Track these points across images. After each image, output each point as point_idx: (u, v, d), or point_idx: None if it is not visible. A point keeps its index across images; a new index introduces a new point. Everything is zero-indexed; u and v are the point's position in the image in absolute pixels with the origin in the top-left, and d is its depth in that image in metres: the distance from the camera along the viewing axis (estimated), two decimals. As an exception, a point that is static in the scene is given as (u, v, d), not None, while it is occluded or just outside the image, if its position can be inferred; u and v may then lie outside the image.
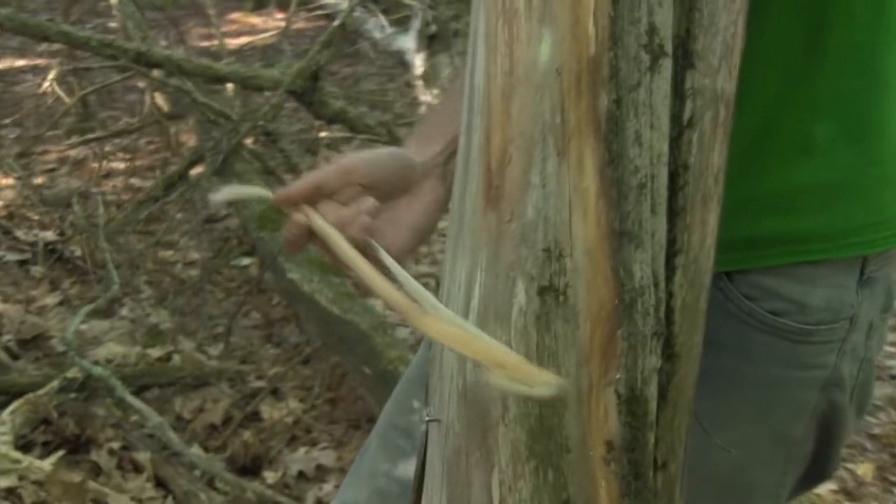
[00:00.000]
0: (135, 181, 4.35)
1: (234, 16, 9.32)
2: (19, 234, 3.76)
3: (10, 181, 4.21)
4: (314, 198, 1.02)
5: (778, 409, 1.08)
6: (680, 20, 0.83)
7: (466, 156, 0.88)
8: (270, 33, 7.63)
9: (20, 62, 7.22)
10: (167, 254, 3.63)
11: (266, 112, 3.57)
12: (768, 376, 1.07)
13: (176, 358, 2.93)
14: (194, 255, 3.47)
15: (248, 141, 4.20)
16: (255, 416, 2.75)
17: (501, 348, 0.81)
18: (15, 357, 2.93)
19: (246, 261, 3.59)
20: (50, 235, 3.75)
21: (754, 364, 1.07)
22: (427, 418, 0.93)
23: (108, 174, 4.53)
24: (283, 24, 5.36)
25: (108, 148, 4.74)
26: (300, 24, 8.15)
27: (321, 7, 7.86)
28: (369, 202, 1.01)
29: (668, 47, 0.81)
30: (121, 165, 4.65)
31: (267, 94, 3.98)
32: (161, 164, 4.31)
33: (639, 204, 0.82)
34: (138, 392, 2.69)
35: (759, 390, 1.07)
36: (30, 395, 2.42)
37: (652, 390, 0.85)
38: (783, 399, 1.07)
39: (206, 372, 2.85)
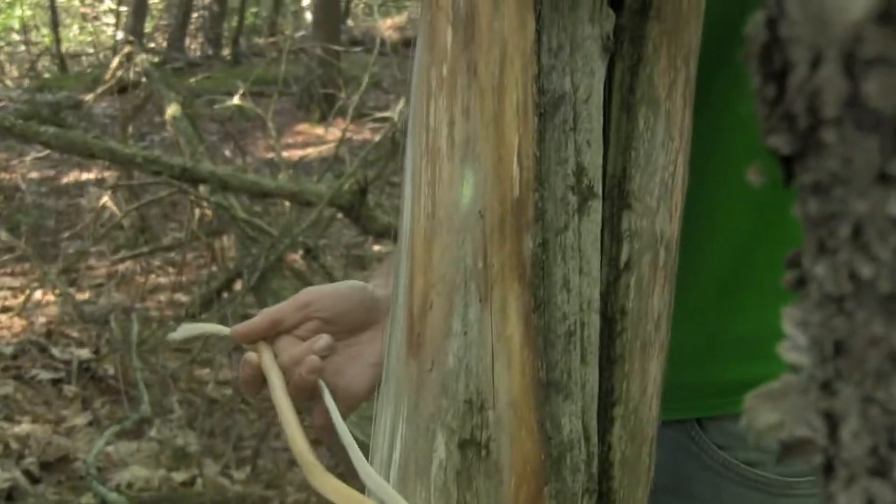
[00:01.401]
0: (179, 296, 4.40)
1: (301, 127, 9.51)
2: (55, 351, 3.81)
3: (54, 297, 4.29)
4: (272, 333, 1.02)
5: None
6: (616, 159, 0.81)
7: (395, 300, 0.87)
8: (331, 145, 7.77)
9: (86, 175, 7.41)
10: (202, 372, 3.65)
11: (305, 228, 3.60)
12: None
13: (200, 482, 2.91)
14: (228, 374, 3.48)
15: (297, 255, 4.24)
16: (274, 546, 2.72)
17: None
18: (37, 481, 2.94)
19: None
20: (85, 353, 3.79)
21: None
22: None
23: (154, 289, 4.59)
24: (346, 134, 5.45)
25: (156, 262, 4.82)
26: (366, 135, 8.29)
27: (384, 119, 7.99)
28: (323, 340, 1.00)
29: (598, 188, 0.79)
30: (167, 280, 4.72)
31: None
32: (206, 279, 4.36)
33: (567, 353, 0.79)
34: (157, 518, 2.67)
35: None
36: (41, 523, 2.42)
37: (584, 553, 0.82)
38: None
39: (228, 497, 2.83)
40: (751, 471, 1.01)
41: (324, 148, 8.17)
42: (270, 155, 7.72)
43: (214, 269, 4.37)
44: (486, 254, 0.78)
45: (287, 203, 4.49)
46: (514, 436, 0.79)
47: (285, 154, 6.42)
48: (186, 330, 1.09)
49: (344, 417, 0.96)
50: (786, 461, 0.38)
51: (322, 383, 0.98)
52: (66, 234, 5.60)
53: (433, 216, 0.80)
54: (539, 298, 0.78)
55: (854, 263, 0.31)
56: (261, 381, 1.01)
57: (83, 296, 4.47)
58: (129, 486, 2.85)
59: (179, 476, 2.94)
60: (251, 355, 1.01)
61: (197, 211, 4.52)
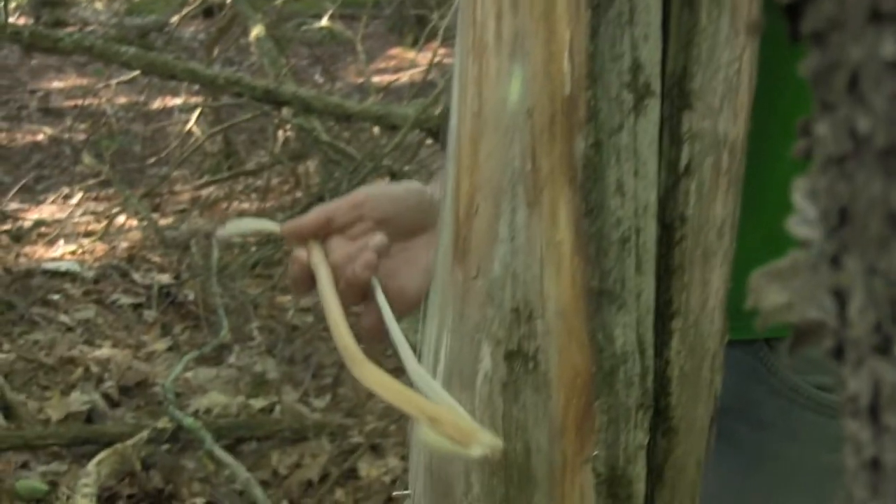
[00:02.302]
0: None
1: (394, 51, 9.48)
2: (136, 276, 3.89)
3: (137, 222, 4.37)
4: (323, 232, 1.02)
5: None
6: (676, 56, 0.79)
7: (443, 205, 0.86)
8: (423, 69, 7.73)
9: (174, 101, 7.47)
10: (283, 299, 3.70)
11: (389, 151, 3.60)
12: (821, 462, 1.00)
13: (278, 409, 2.97)
14: (310, 301, 3.52)
15: (385, 181, 4.24)
16: (353, 473, 2.76)
17: (440, 404, 0.79)
18: (116, 405, 3.02)
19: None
20: (166, 279, 3.87)
21: (804, 447, 1.00)
22: (396, 493, 0.91)
23: (238, 215, 4.65)
24: (438, 58, 5.41)
25: (239, 188, 4.88)
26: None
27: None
28: (378, 239, 0.99)
29: (656, 86, 0.77)
30: (253, 206, 4.78)
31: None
32: (290, 204, 4.40)
33: (621, 260, 0.78)
34: (235, 445, 2.73)
35: (812, 478, 1.00)
36: (118, 446, 2.48)
37: (638, 470, 0.81)
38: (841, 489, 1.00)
39: (306, 425, 2.87)
40: (823, 395, 0.98)
41: (415, 72, 8.14)
42: (361, 80, 7.71)
43: (298, 194, 4.40)
44: (534, 155, 0.76)
45: (377, 129, 4.50)
46: (564, 347, 0.78)
47: (376, 79, 6.40)
48: (235, 226, 1.11)
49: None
50: (798, 349, 0.37)
51: (375, 280, 0.98)
52: (150, 160, 5.69)
53: (479, 115, 0.79)
54: (591, 203, 0.76)
55: (852, 117, 0.29)
56: (310, 279, 1.00)
57: (166, 221, 4.55)
58: (208, 411, 2.92)
59: (258, 403, 2.99)
60: (301, 252, 1.01)
61: (280, 134, 4.55)
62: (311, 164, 4.34)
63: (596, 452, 0.79)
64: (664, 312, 0.81)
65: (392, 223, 1.02)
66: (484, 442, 0.75)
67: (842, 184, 0.31)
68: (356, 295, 0.98)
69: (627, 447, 0.80)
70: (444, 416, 0.76)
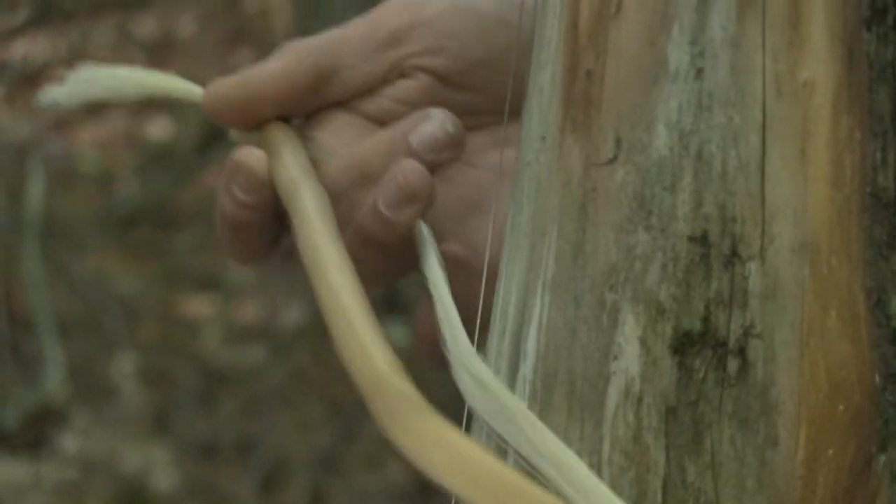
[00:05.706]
0: (155, 125, 4.48)
1: None
2: None
3: None
4: (308, 104, 1.03)
5: None
6: None
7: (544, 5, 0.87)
8: None
9: None
10: (195, 303, 3.70)
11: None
12: None
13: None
14: (260, 309, 3.53)
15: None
16: None
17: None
18: None
19: (398, 330, 3.59)
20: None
21: None
22: None
23: (94, 109, 4.68)
24: None
25: (107, 41, 4.93)
26: None
27: None
28: (437, 122, 0.99)
29: None
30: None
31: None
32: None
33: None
34: None
35: None
36: None
37: None
38: None
39: None
40: None
41: None
42: None
43: (245, 53, 4.46)
44: None
45: None
46: (812, 327, 0.75)
47: None
48: (85, 83, 1.08)
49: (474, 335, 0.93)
50: None
51: (424, 229, 0.98)
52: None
53: None
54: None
55: None
56: (269, 219, 1.02)
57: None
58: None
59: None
60: (251, 152, 1.01)
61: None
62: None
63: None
64: None
65: (478, 84, 1.03)
66: None
67: None
68: (382, 259, 0.99)
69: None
70: None
